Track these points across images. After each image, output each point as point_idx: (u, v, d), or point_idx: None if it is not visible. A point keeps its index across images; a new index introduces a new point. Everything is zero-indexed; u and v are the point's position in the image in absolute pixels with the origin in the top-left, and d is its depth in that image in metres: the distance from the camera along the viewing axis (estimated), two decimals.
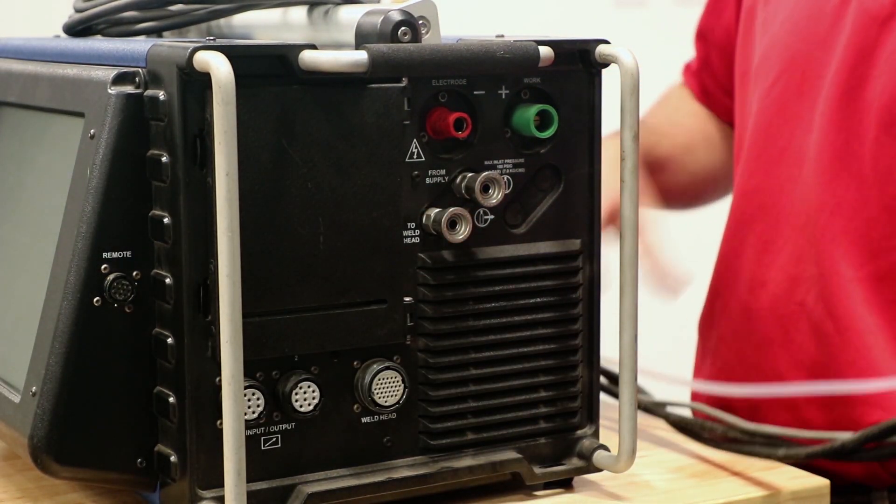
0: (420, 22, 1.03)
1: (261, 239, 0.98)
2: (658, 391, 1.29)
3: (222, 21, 1.21)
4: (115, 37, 1.19)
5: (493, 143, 1.07)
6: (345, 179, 1.01)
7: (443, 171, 1.05)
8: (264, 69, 0.98)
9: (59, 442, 0.99)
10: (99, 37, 1.21)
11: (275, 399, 1.02)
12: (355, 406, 1.05)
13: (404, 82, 1.02)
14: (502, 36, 1.08)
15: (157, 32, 1.19)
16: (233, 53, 0.95)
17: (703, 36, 1.51)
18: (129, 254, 1.00)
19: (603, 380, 1.25)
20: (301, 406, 1.02)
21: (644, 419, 1.26)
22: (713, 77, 1.50)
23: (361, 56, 0.99)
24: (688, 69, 1.53)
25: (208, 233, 0.98)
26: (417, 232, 1.05)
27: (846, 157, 1.26)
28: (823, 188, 1.27)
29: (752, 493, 1.14)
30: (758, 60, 1.36)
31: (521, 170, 1.08)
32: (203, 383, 0.99)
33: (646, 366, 1.22)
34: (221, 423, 0.99)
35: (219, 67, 0.94)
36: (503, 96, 1.06)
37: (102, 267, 0.99)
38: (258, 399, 1.00)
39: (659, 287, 1.24)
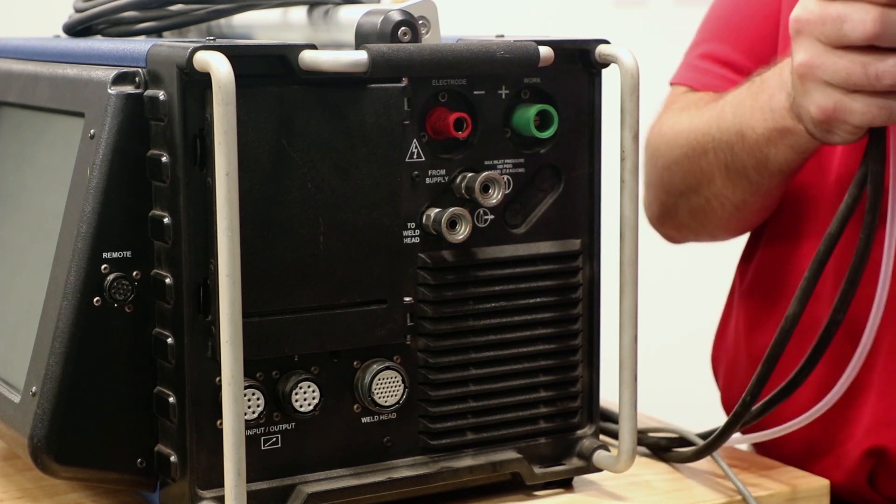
0: (420, 22, 1.03)
1: (261, 239, 0.98)
2: None
3: (222, 21, 1.21)
4: (115, 37, 1.19)
5: (493, 143, 1.07)
6: (345, 179, 1.01)
7: (443, 171, 1.05)
8: (264, 69, 0.98)
9: (59, 442, 0.99)
10: (99, 37, 1.21)
11: (275, 399, 1.02)
12: (355, 406, 1.05)
13: (404, 82, 1.02)
14: (502, 36, 1.08)
15: (157, 32, 1.19)
16: (233, 53, 0.95)
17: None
18: (129, 254, 1.00)
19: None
20: (301, 406, 1.02)
21: (644, 420, 1.26)
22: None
23: (361, 56, 0.99)
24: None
25: (208, 233, 0.98)
26: (417, 232, 1.05)
27: None
28: None
29: (751, 492, 1.14)
30: None
31: (521, 170, 1.08)
32: (203, 383, 0.99)
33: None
34: (221, 423, 0.99)
35: (219, 67, 0.94)
36: (503, 96, 1.06)
37: (102, 267, 0.99)
38: (258, 399, 1.00)
39: None
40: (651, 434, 1.23)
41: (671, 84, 1.44)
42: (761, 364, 1.12)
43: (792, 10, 1.15)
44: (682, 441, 1.21)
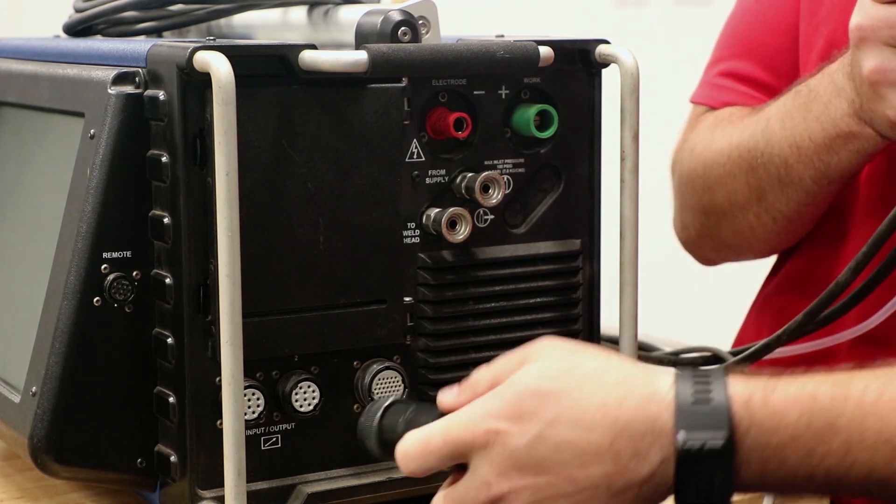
0: (420, 22, 1.03)
1: (261, 239, 0.98)
2: None
3: (222, 21, 1.21)
4: (115, 37, 1.19)
5: (493, 143, 1.07)
6: (345, 179, 1.01)
7: (443, 171, 1.05)
8: (264, 69, 0.98)
9: (59, 442, 0.99)
10: (99, 37, 1.21)
11: (275, 399, 1.02)
12: (355, 406, 1.05)
13: (404, 82, 1.02)
14: (502, 36, 1.08)
15: (157, 32, 1.19)
16: (233, 53, 0.95)
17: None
18: (129, 254, 1.00)
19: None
20: (301, 406, 1.02)
21: None
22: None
23: (361, 56, 0.99)
24: None
25: (208, 233, 0.98)
26: (417, 232, 1.05)
27: None
28: None
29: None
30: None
31: (521, 170, 1.08)
32: (203, 383, 0.99)
33: None
34: (221, 423, 0.99)
35: (219, 67, 0.94)
36: (503, 96, 1.06)
37: (102, 267, 0.99)
38: (258, 399, 1.00)
39: None
40: (683, 355, 1.28)
41: (692, 102, 1.42)
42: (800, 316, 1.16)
43: (807, 21, 1.14)
44: (716, 359, 1.25)
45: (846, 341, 1.22)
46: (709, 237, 1.36)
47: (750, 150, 1.26)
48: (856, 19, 1.07)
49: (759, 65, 1.36)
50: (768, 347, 1.19)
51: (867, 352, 1.21)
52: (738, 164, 1.27)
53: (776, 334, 1.19)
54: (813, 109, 1.19)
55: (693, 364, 1.27)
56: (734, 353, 1.26)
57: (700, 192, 1.33)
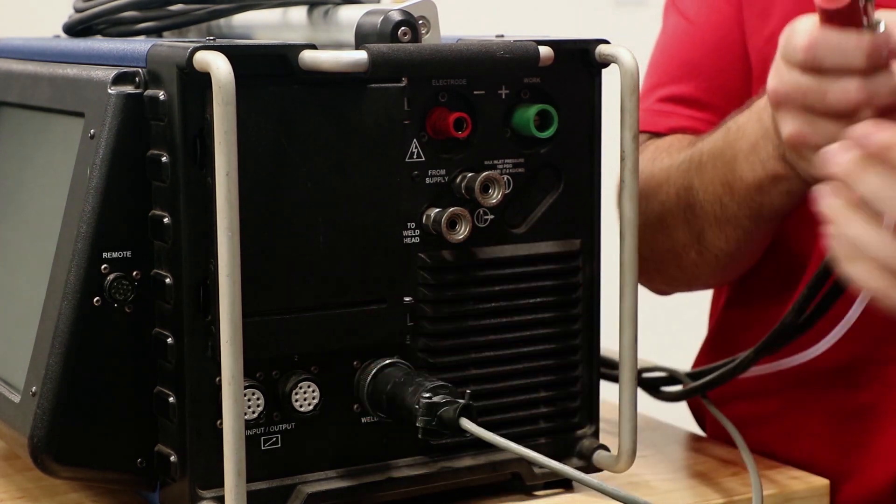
0: (420, 22, 1.03)
1: (261, 239, 0.98)
2: None
3: (222, 21, 1.21)
4: (115, 37, 1.19)
5: (493, 142, 1.07)
6: (345, 179, 1.01)
7: (443, 171, 1.05)
8: (264, 69, 0.98)
9: (59, 442, 0.99)
10: (99, 37, 1.21)
11: (275, 399, 1.02)
12: (355, 406, 1.05)
13: (404, 82, 1.02)
14: (502, 36, 1.08)
15: (157, 32, 1.19)
16: (233, 53, 0.95)
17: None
18: (128, 254, 1.00)
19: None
20: (301, 406, 1.02)
21: (644, 420, 1.26)
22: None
23: (361, 56, 0.99)
24: None
25: (208, 233, 0.98)
26: (417, 232, 1.05)
27: None
28: None
29: (751, 492, 1.14)
30: None
31: (521, 170, 1.08)
32: (203, 383, 0.99)
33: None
34: (221, 423, 0.99)
35: (219, 67, 0.94)
36: (503, 96, 1.06)
37: (102, 267, 0.99)
38: (258, 399, 1.00)
39: None
40: (643, 374, 1.29)
41: None
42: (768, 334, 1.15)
43: (756, 36, 1.13)
44: (673, 380, 1.28)
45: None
46: (657, 272, 1.32)
47: (686, 189, 1.23)
48: (771, 83, 1.04)
49: (701, 86, 1.33)
50: (723, 378, 1.19)
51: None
52: (676, 203, 1.24)
53: (730, 368, 1.18)
54: (742, 149, 1.16)
55: (654, 383, 1.28)
56: (691, 377, 1.27)
57: (642, 230, 1.23)
